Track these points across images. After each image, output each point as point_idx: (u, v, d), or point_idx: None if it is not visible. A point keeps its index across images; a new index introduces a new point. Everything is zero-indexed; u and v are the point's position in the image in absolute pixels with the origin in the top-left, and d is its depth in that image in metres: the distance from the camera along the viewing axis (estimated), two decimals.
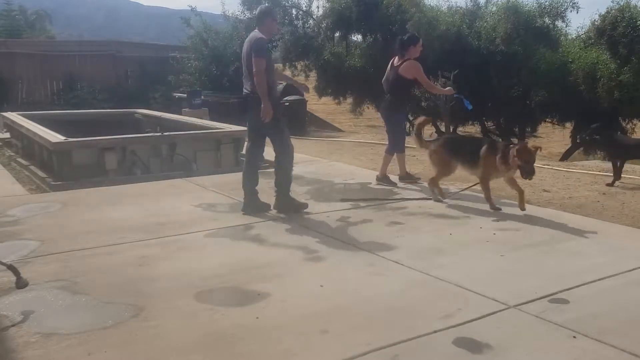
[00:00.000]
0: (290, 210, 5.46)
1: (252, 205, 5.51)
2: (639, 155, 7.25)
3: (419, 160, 8.28)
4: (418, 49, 6.71)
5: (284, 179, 5.53)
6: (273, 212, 5.49)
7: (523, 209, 5.40)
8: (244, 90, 5.50)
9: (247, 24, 18.45)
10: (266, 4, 6.04)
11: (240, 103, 5.45)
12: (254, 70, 5.18)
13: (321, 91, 18.33)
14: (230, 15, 19.21)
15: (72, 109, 15.23)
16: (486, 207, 5.65)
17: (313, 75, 18.71)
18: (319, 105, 20.62)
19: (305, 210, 5.51)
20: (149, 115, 11.81)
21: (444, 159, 5.86)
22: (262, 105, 5.17)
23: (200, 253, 4.32)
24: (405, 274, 3.84)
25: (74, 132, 8.06)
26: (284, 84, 16.60)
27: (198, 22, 18.28)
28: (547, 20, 14.75)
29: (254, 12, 18.66)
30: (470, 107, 7.23)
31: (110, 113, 13.19)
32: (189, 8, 18.35)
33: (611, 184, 6.77)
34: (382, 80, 7.01)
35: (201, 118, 12.13)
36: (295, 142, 5.86)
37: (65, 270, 3.91)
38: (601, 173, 7.65)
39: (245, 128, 9.76)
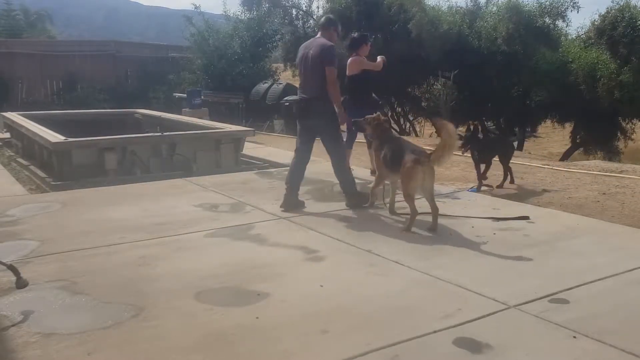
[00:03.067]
0: (362, 204, 5.61)
1: (291, 202, 5.59)
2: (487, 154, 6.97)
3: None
4: (367, 47, 6.96)
5: (346, 179, 5.70)
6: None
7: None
8: (302, 95, 5.65)
9: (247, 24, 18.48)
10: (329, 15, 6.35)
11: (298, 106, 5.75)
12: (328, 79, 5.40)
13: None
14: (232, 15, 19.24)
15: (72, 109, 15.22)
16: (486, 206, 5.65)
17: None
18: None
19: (304, 210, 5.54)
20: (149, 115, 11.81)
21: None
22: (333, 111, 5.45)
23: (200, 253, 4.31)
24: (405, 274, 3.84)
25: (74, 132, 8.06)
26: (284, 83, 16.63)
27: (200, 22, 18.30)
28: (547, 20, 14.75)
29: (253, 13, 18.76)
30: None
31: (110, 113, 13.20)
32: (193, 7, 18.39)
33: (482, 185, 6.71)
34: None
35: (201, 118, 12.14)
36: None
37: (65, 270, 3.90)
38: (601, 173, 7.65)
39: (245, 128, 9.83)
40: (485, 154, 6.71)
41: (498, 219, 5.11)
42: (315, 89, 5.49)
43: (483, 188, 6.58)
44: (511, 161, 7.08)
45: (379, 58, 7.10)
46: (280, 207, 5.54)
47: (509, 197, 6.25)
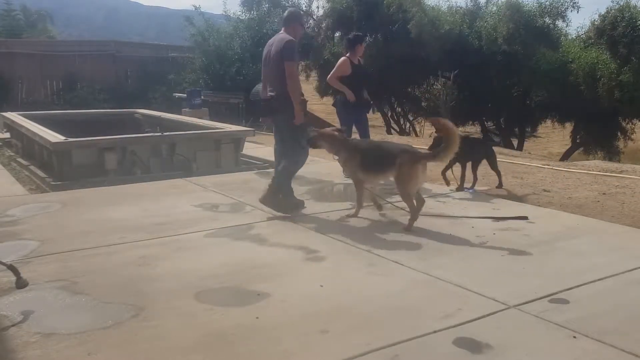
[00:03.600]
0: (278, 209, 5.35)
1: (289, 204, 5.50)
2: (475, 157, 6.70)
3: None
4: (362, 48, 7.06)
5: (283, 179, 5.41)
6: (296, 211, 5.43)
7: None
8: (269, 93, 5.46)
9: (247, 24, 18.48)
10: (292, 9, 6.19)
11: (264, 104, 5.58)
12: (287, 73, 5.19)
13: (322, 91, 18.34)
14: (232, 15, 19.25)
15: (72, 109, 15.22)
16: (486, 206, 5.65)
17: (313, 75, 18.72)
18: (319, 105, 20.63)
19: (304, 211, 5.48)
20: (149, 115, 11.81)
21: None
22: (294, 109, 5.20)
23: (200, 253, 4.32)
24: (405, 274, 3.84)
25: (73, 132, 8.06)
26: None
27: (201, 22, 18.30)
28: (547, 20, 14.75)
29: (253, 13, 18.75)
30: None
31: (110, 113, 13.18)
32: (193, 8, 18.38)
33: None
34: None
35: (201, 118, 12.14)
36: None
37: (65, 270, 3.90)
38: (601, 173, 7.65)
39: (245, 128, 9.83)
40: (461, 155, 6.61)
41: (498, 219, 5.11)
42: (278, 86, 5.31)
43: (479, 188, 6.55)
44: (513, 162, 7.04)
45: (349, 93, 6.83)
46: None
47: (509, 197, 6.25)
